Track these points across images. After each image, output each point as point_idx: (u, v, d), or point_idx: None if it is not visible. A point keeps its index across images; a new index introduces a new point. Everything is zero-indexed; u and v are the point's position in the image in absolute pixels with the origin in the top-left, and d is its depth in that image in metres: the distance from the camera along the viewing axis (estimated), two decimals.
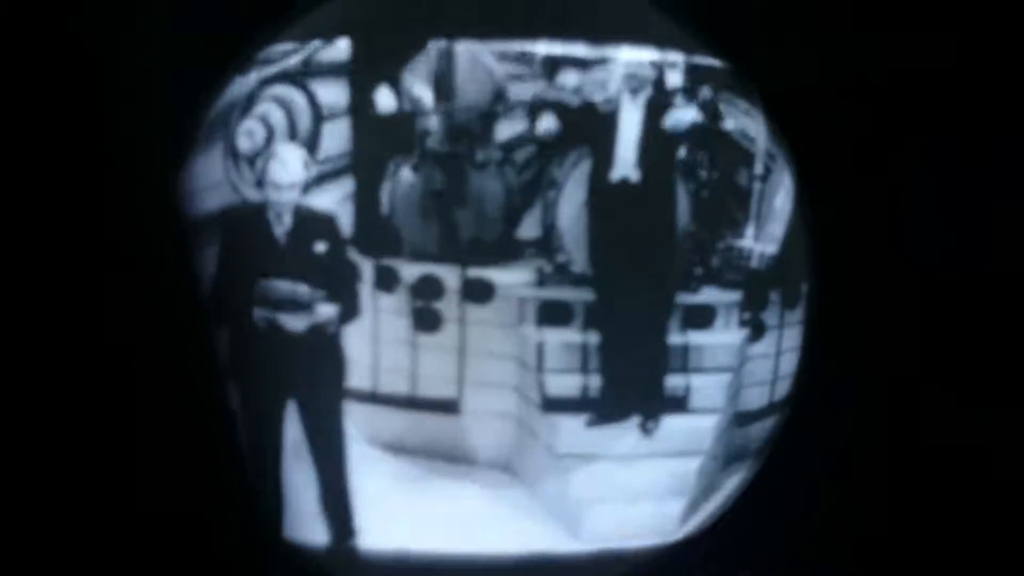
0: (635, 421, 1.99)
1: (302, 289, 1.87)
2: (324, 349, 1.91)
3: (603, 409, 1.99)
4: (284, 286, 1.87)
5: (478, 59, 1.93)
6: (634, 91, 1.94)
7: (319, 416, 1.95)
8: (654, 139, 1.95)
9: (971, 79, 2.35)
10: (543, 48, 1.94)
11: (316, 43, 1.99)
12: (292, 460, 1.99)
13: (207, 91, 2.06)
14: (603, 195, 1.94)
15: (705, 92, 1.99)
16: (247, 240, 1.90)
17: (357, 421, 1.98)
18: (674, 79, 1.98)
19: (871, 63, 2.39)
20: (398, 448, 1.99)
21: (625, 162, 1.93)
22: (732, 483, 2.15)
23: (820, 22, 2.35)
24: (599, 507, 2.01)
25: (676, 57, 2.00)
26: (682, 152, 1.97)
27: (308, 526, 2.01)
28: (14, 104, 2.07)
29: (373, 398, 1.97)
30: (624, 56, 1.97)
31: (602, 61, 1.96)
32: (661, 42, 2.00)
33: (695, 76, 2.00)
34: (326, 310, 1.87)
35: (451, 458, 2.00)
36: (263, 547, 2.08)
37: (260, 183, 1.90)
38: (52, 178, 2.15)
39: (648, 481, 2.02)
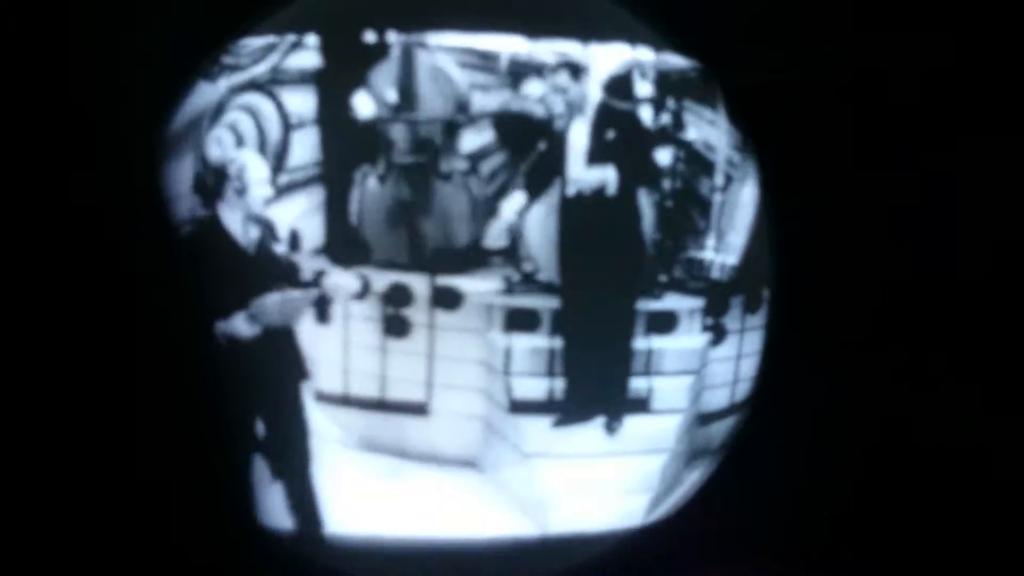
0: (600, 422, 2.04)
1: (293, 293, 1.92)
2: (283, 353, 1.96)
3: (568, 411, 2.04)
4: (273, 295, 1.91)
5: (440, 67, 1.94)
6: (585, 102, 1.95)
7: (281, 418, 2.02)
8: (603, 153, 1.97)
9: (945, 80, 2.37)
10: (507, 49, 1.95)
11: (283, 47, 1.99)
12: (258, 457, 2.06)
13: (176, 95, 2.07)
14: (564, 209, 1.96)
15: (671, 103, 2.01)
16: (211, 252, 1.94)
17: (329, 422, 2.02)
18: (643, 88, 2.00)
19: (841, 63, 2.40)
20: (369, 447, 2.04)
21: (576, 178, 1.97)
22: (694, 478, 2.22)
23: (791, 20, 2.36)
24: (565, 502, 2.07)
25: (645, 59, 2.02)
26: (642, 163, 1.99)
27: (277, 515, 2.07)
28: None
29: (345, 400, 2.01)
30: (589, 61, 1.99)
31: (566, 66, 1.97)
32: (629, 40, 2.02)
33: (663, 85, 2.02)
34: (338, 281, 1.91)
35: (420, 457, 2.05)
36: (241, 531, 2.14)
37: (225, 196, 1.93)
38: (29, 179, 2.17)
39: (613, 478, 2.08)
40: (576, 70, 1.95)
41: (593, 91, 1.98)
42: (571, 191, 1.97)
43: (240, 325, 1.94)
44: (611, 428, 2.03)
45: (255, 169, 1.94)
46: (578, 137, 1.98)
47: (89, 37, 2.21)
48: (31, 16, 2.18)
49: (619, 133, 1.98)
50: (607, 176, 1.96)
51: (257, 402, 2.05)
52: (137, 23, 2.19)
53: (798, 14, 2.43)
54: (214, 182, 1.95)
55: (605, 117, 1.98)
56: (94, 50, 2.19)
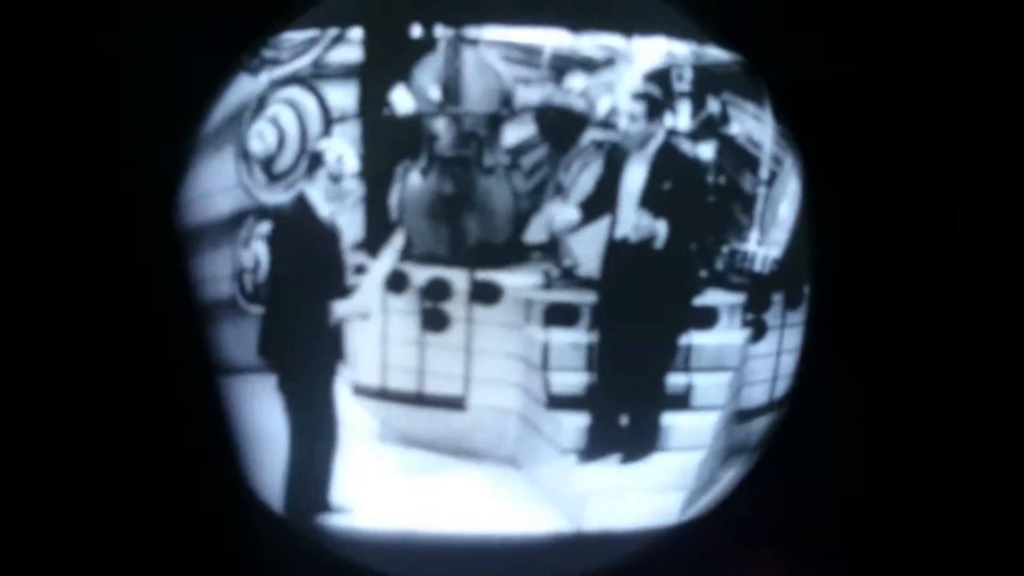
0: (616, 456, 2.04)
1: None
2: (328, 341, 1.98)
3: (606, 407, 2.03)
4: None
5: (486, 61, 1.94)
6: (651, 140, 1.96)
7: (315, 408, 2.03)
8: (660, 195, 1.98)
9: (978, 78, 2.35)
10: (550, 42, 1.95)
11: (326, 40, 1.99)
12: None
13: (207, 90, 2.08)
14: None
15: (714, 103, 2.00)
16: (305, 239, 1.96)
17: (366, 415, 2.02)
18: (686, 82, 1.99)
19: (882, 59, 2.39)
20: (406, 441, 2.04)
21: (626, 222, 1.97)
22: (731, 475, 2.21)
23: (830, 16, 2.35)
24: (601, 499, 2.06)
25: (689, 53, 2.01)
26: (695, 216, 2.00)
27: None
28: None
29: (382, 394, 2.01)
30: (633, 60, 1.98)
31: (610, 61, 1.97)
32: (672, 34, 2.01)
33: (707, 78, 2.01)
34: None
35: (457, 452, 2.04)
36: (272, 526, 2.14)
37: (333, 178, 1.94)
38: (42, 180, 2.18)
39: (650, 475, 2.07)
40: (655, 104, 1.95)
41: (660, 130, 1.97)
42: (620, 232, 1.96)
43: (371, 302, 1.94)
44: (628, 458, 2.02)
45: (350, 158, 1.94)
46: (636, 175, 1.97)
47: (103, 38, 2.22)
48: (43, 19, 2.19)
49: (677, 183, 1.98)
50: (657, 228, 1.96)
51: (296, 389, 2.05)
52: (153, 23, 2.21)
53: (837, 9, 2.42)
54: (308, 166, 1.95)
55: (667, 161, 1.98)
56: (109, 50, 2.20)
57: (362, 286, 1.96)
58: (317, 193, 1.96)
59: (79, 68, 2.22)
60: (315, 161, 1.94)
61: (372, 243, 1.95)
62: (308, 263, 2.00)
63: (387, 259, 1.93)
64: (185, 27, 2.20)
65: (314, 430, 2.03)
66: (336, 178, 1.92)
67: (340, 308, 1.96)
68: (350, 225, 1.95)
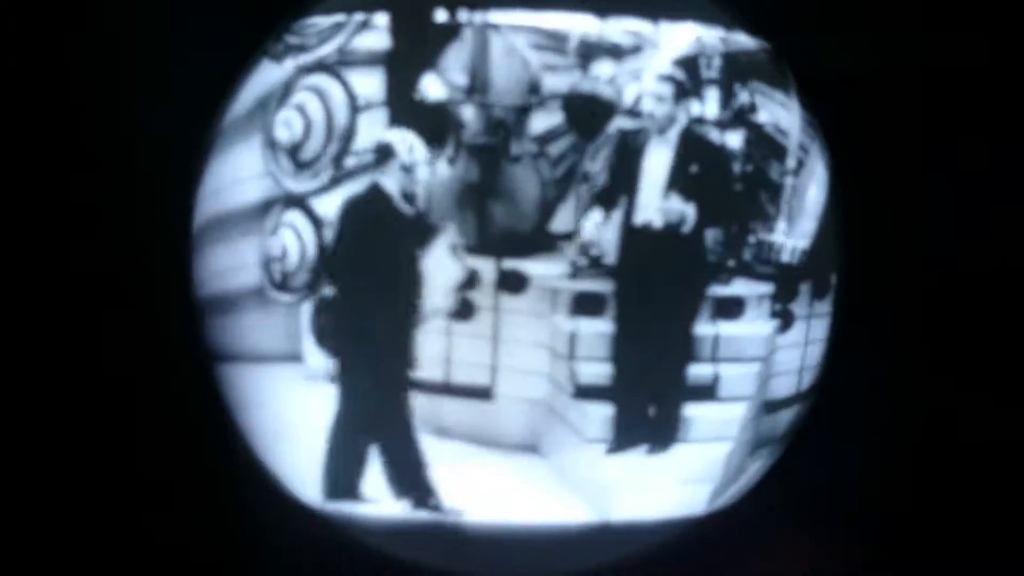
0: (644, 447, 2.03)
1: None
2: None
3: (632, 397, 2.02)
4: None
5: (514, 48, 1.93)
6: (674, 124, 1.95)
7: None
8: (684, 181, 1.97)
9: (1005, 78, 2.33)
10: (577, 28, 1.94)
11: (351, 26, 1.98)
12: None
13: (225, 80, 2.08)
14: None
15: (741, 90, 1.99)
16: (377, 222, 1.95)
17: None
18: (711, 72, 1.98)
19: (911, 57, 2.36)
20: (433, 431, 2.04)
21: (648, 207, 1.96)
22: (758, 466, 2.20)
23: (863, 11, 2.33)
24: (627, 489, 2.05)
25: (716, 40, 2.00)
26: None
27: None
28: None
29: (410, 384, 2.01)
30: (660, 44, 1.97)
31: (637, 48, 1.95)
32: (699, 20, 2.00)
33: (734, 65, 2.00)
34: None
35: (483, 441, 2.04)
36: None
37: (406, 168, 1.93)
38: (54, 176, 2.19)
39: (677, 467, 2.06)
40: (682, 88, 1.93)
41: (683, 115, 1.97)
42: (641, 218, 1.95)
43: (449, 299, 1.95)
44: (654, 449, 2.01)
45: (419, 147, 1.94)
46: (659, 159, 1.97)
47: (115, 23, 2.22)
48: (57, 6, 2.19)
49: (703, 168, 1.96)
50: (687, 212, 1.95)
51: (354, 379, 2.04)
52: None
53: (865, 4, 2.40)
54: (381, 156, 1.94)
55: (692, 146, 1.97)
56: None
57: (438, 283, 1.96)
58: (391, 184, 1.95)
59: (90, 56, 2.23)
60: (385, 152, 1.93)
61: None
62: (386, 253, 1.99)
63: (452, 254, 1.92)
64: (199, 17, 2.20)
65: (365, 419, 2.02)
66: (409, 168, 1.91)
67: (424, 303, 1.96)
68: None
